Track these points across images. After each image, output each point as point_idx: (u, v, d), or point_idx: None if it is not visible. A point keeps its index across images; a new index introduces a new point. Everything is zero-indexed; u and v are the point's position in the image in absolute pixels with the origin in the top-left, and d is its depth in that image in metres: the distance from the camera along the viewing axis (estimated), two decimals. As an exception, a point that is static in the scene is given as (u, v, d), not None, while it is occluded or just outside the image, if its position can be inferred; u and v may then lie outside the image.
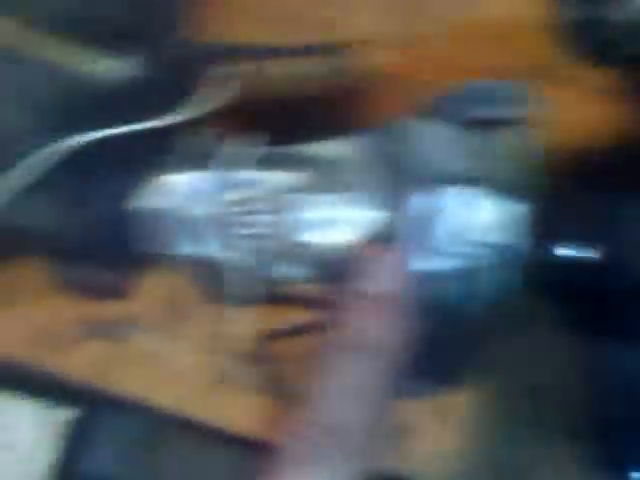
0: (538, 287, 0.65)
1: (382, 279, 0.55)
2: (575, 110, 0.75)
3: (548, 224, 0.63)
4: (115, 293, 0.67)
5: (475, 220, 0.58)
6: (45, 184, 0.55)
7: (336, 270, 0.60)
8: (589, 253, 0.60)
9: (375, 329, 0.54)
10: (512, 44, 0.79)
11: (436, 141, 0.59)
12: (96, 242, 0.57)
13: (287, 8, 0.77)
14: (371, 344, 0.53)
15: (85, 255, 0.60)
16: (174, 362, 0.73)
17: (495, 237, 0.57)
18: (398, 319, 0.54)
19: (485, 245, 0.57)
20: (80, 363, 0.74)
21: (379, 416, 0.53)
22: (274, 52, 0.61)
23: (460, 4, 0.81)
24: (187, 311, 0.74)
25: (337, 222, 0.60)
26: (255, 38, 0.66)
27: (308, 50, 0.59)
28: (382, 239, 0.58)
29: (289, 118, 0.73)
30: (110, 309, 0.74)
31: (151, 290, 0.74)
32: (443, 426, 0.71)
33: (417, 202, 0.58)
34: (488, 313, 0.58)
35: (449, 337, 0.58)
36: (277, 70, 0.72)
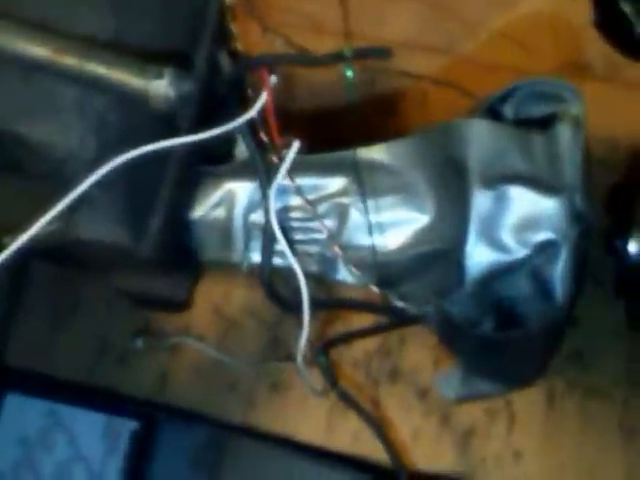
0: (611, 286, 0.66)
1: None
2: (617, 105, 0.77)
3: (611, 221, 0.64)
4: (178, 304, 0.67)
5: (536, 217, 0.58)
6: (105, 197, 0.57)
7: (392, 273, 0.61)
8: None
9: None
10: (552, 41, 0.81)
11: (495, 139, 0.59)
12: (158, 253, 0.58)
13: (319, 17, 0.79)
14: None
15: (148, 266, 0.61)
16: (230, 371, 0.74)
17: (557, 234, 0.57)
18: None
19: (546, 242, 0.58)
20: (142, 375, 0.76)
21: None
22: (312, 60, 0.62)
23: (497, 4, 0.82)
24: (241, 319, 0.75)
25: (392, 225, 0.60)
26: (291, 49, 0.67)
27: (356, 55, 0.60)
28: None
29: (330, 124, 0.74)
30: (168, 320, 0.76)
31: (204, 299, 0.76)
32: (508, 428, 0.73)
33: (479, 199, 0.58)
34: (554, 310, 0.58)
35: (517, 337, 0.58)
36: (317, 77, 0.73)
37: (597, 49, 0.80)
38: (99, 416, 0.75)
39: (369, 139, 0.62)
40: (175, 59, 0.55)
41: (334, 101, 0.74)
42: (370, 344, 0.75)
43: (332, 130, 0.70)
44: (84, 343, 0.77)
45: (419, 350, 0.74)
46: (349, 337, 0.71)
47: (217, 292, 0.77)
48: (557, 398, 0.73)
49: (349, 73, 0.55)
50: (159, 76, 0.54)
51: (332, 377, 0.69)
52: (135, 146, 0.53)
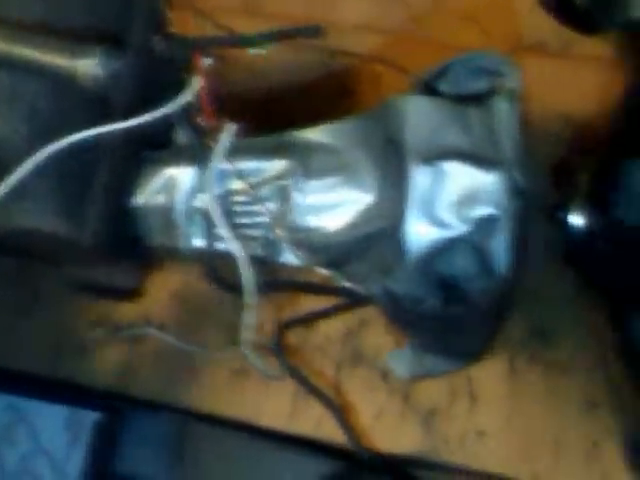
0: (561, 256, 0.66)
1: None
2: (571, 80, 0.77)
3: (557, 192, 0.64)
4: (128, 292, 0.67)
5: (475, 192, 0.57)
6: (41, 186, 0.56)
7: (337, 254, 0.60)
8: (599, 219, 0.61)
9: None
10: (507, 21, 0.81)
11: (431, 115, 0.59)
12: (103, 241, 0.58)
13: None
14: None
15: (91, 255, 0.60)
16: (192, 359, 0.74)
17: (496, 209, 0.57)
18: None
19: (485, 216, 0.57)
20: (103, 366, 0.76)
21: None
22: (253, 40, 0.62)
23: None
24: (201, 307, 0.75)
25: (335, 206, 0.60)
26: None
27: (287, 35, 0.60)
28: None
29: (275, 105, 0.74)
30: (126, 309, 0.75)
31: (163, 287, 0.75)
32: (470, 406, 0.73)
33: (418, 177, 0.57)
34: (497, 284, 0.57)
35: (462, 312, 0.58)
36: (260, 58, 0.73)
37: (550, 26, 0.80)
38: (61, 408, 0.75)
39: (322, 120, 0.62)
40: (105, 40, 0.55)
41: (286, 85, 0.74)
42: (332, 328, 0.75)
43: (284, 113, 0.70)
44: (44, 336, 0.77)
45: (380, 332, 0.74)
46: (304, 320, 0.71)
47: (176, 281, 0.77)
48: (519, 373, 0.74)
49: (255, 51, 0.54)
50: (88, 56, 0.54)
51: (284, 361, 0.69)
52: (69, 133, 0.53)
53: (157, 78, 0.58)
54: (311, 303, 0.74)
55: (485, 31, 0.81)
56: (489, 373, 0.74)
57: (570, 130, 0.77)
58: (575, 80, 0.78)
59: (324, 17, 0.80)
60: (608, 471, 0.70)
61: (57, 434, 0.74)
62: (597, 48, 0.79)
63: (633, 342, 0.56)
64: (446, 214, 0.57)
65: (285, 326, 0.71)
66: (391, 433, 0.74)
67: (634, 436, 0.61)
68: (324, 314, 0.70)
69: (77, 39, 0.55)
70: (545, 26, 0.80)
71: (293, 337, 0.74)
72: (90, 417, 0.74)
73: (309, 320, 0.72)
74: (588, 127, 0.76)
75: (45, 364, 0.77)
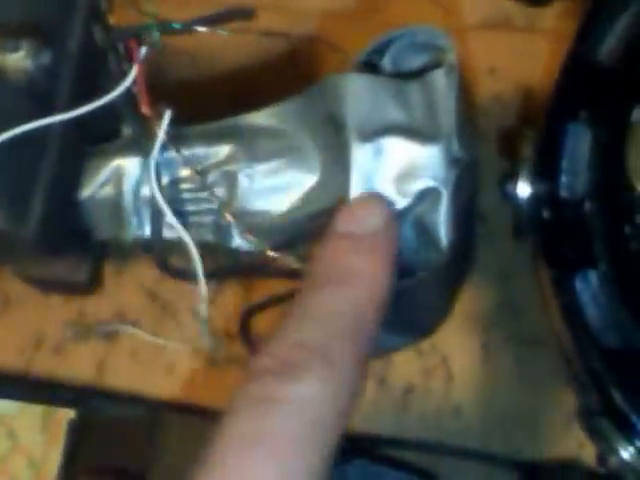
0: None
1: (365, 218, 0.54)
2: (534, 54, 0.77)
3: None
4: (82, 287, 0.66)
5: (414, 166, 0.57)
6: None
7: (286, 237, 0.61)
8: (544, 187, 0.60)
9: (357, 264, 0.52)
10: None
11: (370, 92, 0.58)
12: (47, 235, 0.57)
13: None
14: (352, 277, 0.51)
15: (35, 251, 0.59)
16: (167, 353, 0.75)
17: (435, 181, 0.56)
18: (383, 258, 0.53)
19: (425, 189, 0.57)
20: (78, 364, 0.77)
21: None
22: (192, 25, 0.62)
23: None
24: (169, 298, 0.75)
25: (282, 189, 0.60)
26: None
27: (220, 19, 0.60)
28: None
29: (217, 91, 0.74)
30: (100, 307, 0.76)
31: (137, 284, 0.76)
32: (446, 384, 0.73)
33: (358, 154, 0.57)
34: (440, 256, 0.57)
35: (406, 285, 0.57)
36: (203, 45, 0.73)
37: (515, 3, 0.80)
38: (37, 407, 0.75)
39: (256, 103, 0.62)
40: (39, 33, 0.55)
41: (235, 71, 0.74)
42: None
43: (238, 99, 0.70)
44: (18, 336, 0.78)
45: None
46: (264, 306, 0.71)
47: (150, 276, 0.78)
48: (493, 350, 0.73)
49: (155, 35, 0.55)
50: (16, 49, 0.54)
51: (250, 348, 0.68)
52: (7, 127, 0.53)
53: (101, 70, 0.58)
54: (277, 288, 0.74)
55: (449, 11, 0.80)
56: (463, 351, 0.74)
57: (531, 103, 0.76)
58: (538, 54, 0.78)
59: (296, 5, 0.80)
60: (584, 440, 0.69)
61: (34, 433, 0.75)
62: (560, 22, 0.79)
63: (574, 309, 0.56)
64: (387, 189, 0.57)
65: (248, 313, 0.70)
66: (367, 414, 0.74)
67: (582, 402, 0.60)
68: (284, 298, 0.69)
69: (11, 34, 0.55)
70: (509, 3, 0.80)
71: (265, 324, 0.74)
72: (66, 415, 0.74)
73: (269, 305, 0.71)
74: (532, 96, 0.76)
75: (19, 364, 0.77)
